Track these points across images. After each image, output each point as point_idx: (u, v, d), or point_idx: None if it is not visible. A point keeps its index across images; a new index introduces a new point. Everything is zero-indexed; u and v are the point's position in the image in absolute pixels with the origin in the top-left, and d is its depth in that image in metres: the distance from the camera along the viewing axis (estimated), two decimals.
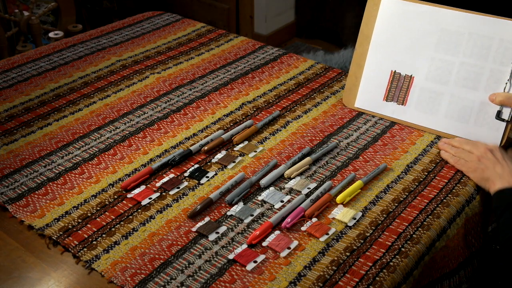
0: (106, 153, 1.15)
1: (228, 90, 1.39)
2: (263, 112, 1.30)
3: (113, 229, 0.96)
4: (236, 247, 0.92)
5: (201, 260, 0.90)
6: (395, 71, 1.26)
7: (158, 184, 1.06)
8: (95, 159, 1.13)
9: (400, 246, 0.92)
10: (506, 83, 1.15)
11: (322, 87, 1.41)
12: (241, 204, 1.01)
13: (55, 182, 1.07)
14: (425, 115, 1.22)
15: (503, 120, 1.15)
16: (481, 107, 1.17)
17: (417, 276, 0.91)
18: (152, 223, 0.97)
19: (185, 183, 1.07)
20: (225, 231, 0.95)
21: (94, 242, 0.93)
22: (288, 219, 0.96)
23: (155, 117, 1.27)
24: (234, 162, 1.13)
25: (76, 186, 1.06)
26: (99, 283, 0.86)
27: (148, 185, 1.06)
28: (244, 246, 0.92)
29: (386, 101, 1.27)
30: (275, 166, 1.11)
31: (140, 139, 1.20)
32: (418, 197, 1.04)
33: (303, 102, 1.34)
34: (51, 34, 2.58)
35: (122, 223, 0.97)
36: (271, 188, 1.05)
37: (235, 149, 1.17)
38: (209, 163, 1.13)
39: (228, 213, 0.99)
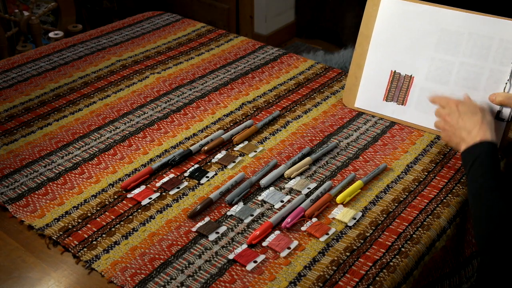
0: (106, 153, 1.15)
1: (228, 90, 1.39)
2: (263, 112, 1.30)
3: (113, 229, 0.96)
4: (236, 247, 0.92)
5: (201, 260, 0.90)
6: (395, 71, 1.26)
7: (158, 184, 1.06)
8: (95, 159, 1.13)
9: (400, 246, 0.92)
10: (506, 83, 1.15)
11: (322, 87, 1.41)
12: (241, 204, 1.01)
13: (55, 182, 1.07)
14: (425, 115, 1.22)
15: (503, 120, 1.15)
16: None
17: (417, 276, 0.91)
18: (152, 223, 0.97)
19: (185, 183, 1.07)
20: (225, 231, 0.95)
21: (94, 242, 0.93)
22: (288, 219, 0.96)
23: (155, 117, 1.27)
24: (234, 162, 1.13)
25: (76, 186, 1.06)
26: (99, 283, 0.86)
27: (148, 185, 1.06)
28: (244, 246, 0.92)
29: (386, 101, 1.27)
30: (275, 166, 1.11)
31: (140, 139, 1.20)
32: (418, 197, 1.04)
33: (303, 102, 1.34)
34: (51, 34, 2.58)
35: (122, 223, 0.97)
36: (271, 188, 1.05)
37: (235, 149, 1.17)
38: (209, 163, 1.13)
39: (228, 213, 0.99)
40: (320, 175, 1.09)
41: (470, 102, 1.10)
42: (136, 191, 1.04)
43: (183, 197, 1.03)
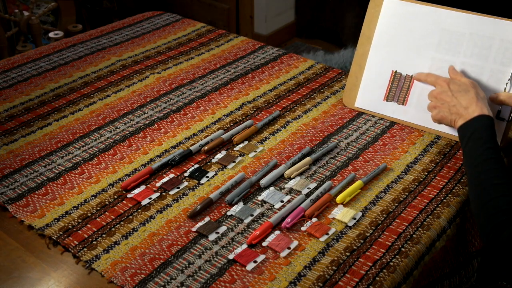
0: (106, 153, 1.15)
1: (228, 90, 1.39)
2: (263, 112, 1.30)
3: (113, 229, 0.96)
4: (236, 247, 0.92)
5: (201, 260, 0.90)
6: (396, 71, 1.26)
7: (158, 184, 1.06)
8: (95, 159, 1.13)
9: (400, 246, 0.92)
10: (507, 83, 1.15)
11: (322, 87, 1.41)
12: (241, 204, 1.01)
13: (55, 182, 1.07)
14: (425, 115, 1.21)
15: (503, 120, 1.15)
16: None
17: (417, 276, 0.91)
18: (152, 223, 0.97)
19: (185, 183, 1.07)
20: (225, 231, 0.95)
21: (94, 242, 0.93)
22: (288, 219, 0.96)
23: (155, 117, 1.27)
24: (234, 162, 1.13)
25: (76, 186, 1.06)
26: (99, 283, 0.86)
27: (148, 185, 1.06)
28: (244, 246, 0.92)
29: (387, 101, 1.27)
30: (275, 166, 1.11)
31: (140, 139, 1.20)
32: (418, 197, 1.04)
33: (303, 102, 1.34)
34: (51, 34, 2.59)
35: (122, 223, 0.97)
36: (271, 188, 1.05)
37: (235, 149, 1.17)
38: (209, 163, 1.13)
39: (228, 213, 0.99)
40: (320, 175, 1.09)
41: (460, 79, 1.13)
42: (136, 191, 1.04)
43: (183, 197, 1.03)
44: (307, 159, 1.12)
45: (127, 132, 1.22)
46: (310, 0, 3.31)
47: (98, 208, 1.01)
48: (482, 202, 0.93)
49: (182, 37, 1.66)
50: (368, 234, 0.95)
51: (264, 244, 0.92)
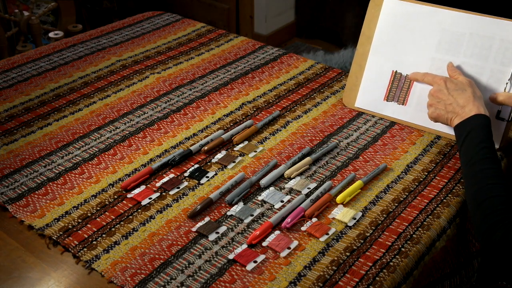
0: (106, 153, 1.15)
1: (228, 90, 1.39)
2: (263, 112, 1.30)
3: (113, 229, 0.96)
4: (236, 247, 0.92)
5: (201, 260, 0.90)
6: (396, 71, 1.26)
7: (158, 184, 1.06)
8: (95, 159, 1.13)
9: (400, 246, 0.92)
10: (507, 83, 1.15)
11: (322, 87, 1.41)
12: (241, 204, 1.01)
13: (55, 182, 1.07)
14: (425, 115, 1.21)
15: (503, 120, 1.15)
16: None
17: (417, 276, 0.91)
18: (152, 223, 0.97)
19: (185, 183, 1.07)
20: (225, 231, 0.95)
21: (94, 242, 0.93)
22: (288, 219, 0.96)
23: (155, 117, 1.27)
24: (234, 162, 1.13)
25: (76, 186, 1.06)
26: (99, 283, 0.86)
27: (148, 185, 1.06)
28: (244, 246, 0.92)
29: (387, 101, 1.27)
30: (275, 166, 1.11)
31: (140, 139, 1.20)
32: (418, 197, 1.04)
33: (303, 102, 1.34)
34: (51, 34, 2.58)
35: (122, 223, 0.97)
36: (271, 188, 1.05)
37: (235, 149, 1.17)
38: (209, 163, 1.13)
39: (228, 213, 0.99)
40: (320, 175, 1.09)
41: (458, 77, 1.14)
42: (136, 191, 1.04)
43: (183, 197, 1.03)
44: (307, 159, 1.12)
45: (127, 132, 1.22)
46: (310, 0, 3.31)
47: (98, 208, 1.01)
48: (477, 201, 0.93)
49: (182, 37, 1.66)
50: (368, 234, 0.95)
51: (264, 244, 0.92)
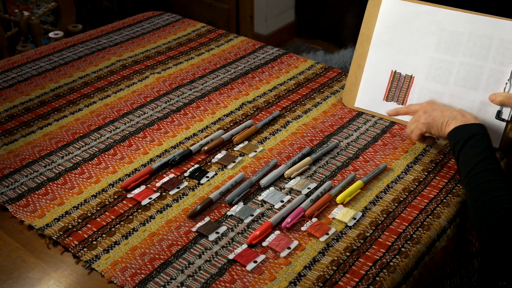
0: (106, 153, 1.15)
1: (228, 90, 1.39)
2: (263, 112, 1.30)
3: (113, 229, 0.96)
4: (236, 247, 0.92)
5: (201, 260, 0.90)
6: (395, 71, 1.26)
7: (158, 184, 1.06)
8: (95, 159, 1.13)
9: (400, 246, 0.92)
10: (506, 83, 1.15)
11: (322, 87, 1.41)
12: (241, 204, 1.01)
13: (55, 182, 1.07)
14: None
15: (503, 120, 1.15)
16: (481, 107, 1.17)
17: (417, 276, 0.91)
18: (152, 223, 0.97)
19: (185, 183, 1.07)
20: (225, 231, 0.95)
21: (94, 242, 0.93)
22: (288, 219, 0.96)
23: (155, 117, 1.27)
24: (234, 162, 1.13)
25: (76, 186, 1.06)
26: (99, 283, 0.86)
27: (148, 185, 1.06)
28: (244, 246, 0.92)
29: (386, 101, 1.27)
30: (275, 166, 1.11)
31: (140, 139, 1.20)
32: (418, 197, 1.04)
33: (303, 102, 1.34)
34: (51, 34, 2.58)
35: (122, 223, 0.97)
36: (271, 188, 1.05)
37: (235, 149, 1.17)
38: (209, 163, 1.13)
39: (228, 213, 0.99)
40: (320, 175, 1.09)
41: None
42: (136, 191, 1.04)
43: (183, 197, 1.03)
44: (307, 159, 1.12)
45: (127, 132, 1.22)
46: (310, 0, 3.30)
47: (98, 208, 1.01)
48: (479, 205, 0.92)
49: (182, 37, 1.66)
50: (368, 234, 0.95)
51: (264, 244, 0.92)
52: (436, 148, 1.17)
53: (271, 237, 0.94)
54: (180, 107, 1.31)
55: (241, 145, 1.18)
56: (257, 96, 1.36)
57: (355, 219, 0.98)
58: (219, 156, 1.15)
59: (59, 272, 0.89)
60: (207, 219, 0.98)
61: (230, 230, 0.96)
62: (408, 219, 0.98)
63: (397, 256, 0.90)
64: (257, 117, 1.28)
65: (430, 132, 1.10)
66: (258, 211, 1.00)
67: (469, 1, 1.73)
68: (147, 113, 1.29)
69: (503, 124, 1.15)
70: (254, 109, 1.31)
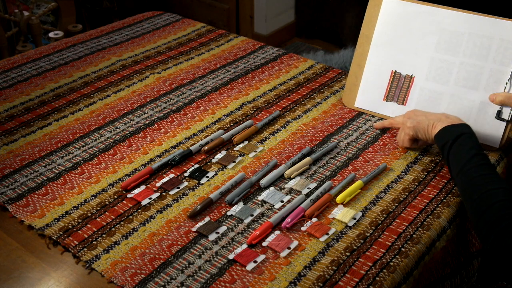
0: (106, 153, 1.15)
1: (228, 90, 1.39)
2: (263, 112, 1.30)
3: (113, 229, 0.96)
4: (236, 247, 0.92)
5: (201, 260, 0.90)
6: (395, 71, 1.26)
7: (158, 184, 1.06)
8: (95, 159, 1.13)
9: (400, 246, 0.92)
10: (506, 83, 1.15)
11: (322, 87, 1.41)
12: (241, 204, 1.01)
13: (55, 182, 1.07)
14: None
15: (503, 120, 1.15)
16: (481, 107, 1.17)
17: (417, 276, 0.91)
18: (152, 223, 0.97)
19: (185, 183, 1.07)
20: (225, 231, 0.95)
21: (94, 242, 0.93)
22: (288, 219, 0.96)
23: (155, 117, 1.27)
24: (234, 162, 1.13)
25: (76, 186, 1.06)
26: (99, 283, 0.86)
27: (148, 185, 1.06)
28: (244, 246, 0.92)
29: (386, 101, 1.27)
30: (275, 166, 1.11)
31: (140, 139, 1.20)
32: (418, 197, 1.04)
33: (303, 102, 1.34)
34: (51, 34, 2.58)
35: (122, 223, 0.97)
36: (271, 188, 1.05)
37: (235, 149, 1.17)
38: (209, 163, 1.13)
39: (228, 213, 0.99)
40: (320, 175, 1.09)
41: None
42: (136, 191, 1.04)
43: (183, 197, 1.03)
44: (307, 159, 1.12)
45: (127, 132, 1.22)
46: (310, 0, 3.30)
47: (98, 208, 1.01)
48: (475, 199, 0.92)
49: (182, 37, 1.66)
50: (368, 234, 0.95)
51: (264, 244, 0.92)
52: (436, 148, 1.17)
53: (271, 237, 0.94)
54: (180, 107, 1.31)
55: (241, 145, 1.18)
56: (257, 96, 1.36)
57: (355, 219, 0.98)
58: (219, 156, 1.15)
59: (59, 272, 0.89)
60: (207, 219, 0.98)
61: (230, 230, 0.96)
62: (408, 219, 0.98)
63: (397, 256, 0.90)
64: (257, 117, 1.28)
65: (417, 136, 1.11)
66: (258, 211, 1.00)
67: (469, 1, 1.73)
68: (147, 113, 1.29)
69: (503, 124, 1.15)
70: (254, 109, 1.31)
